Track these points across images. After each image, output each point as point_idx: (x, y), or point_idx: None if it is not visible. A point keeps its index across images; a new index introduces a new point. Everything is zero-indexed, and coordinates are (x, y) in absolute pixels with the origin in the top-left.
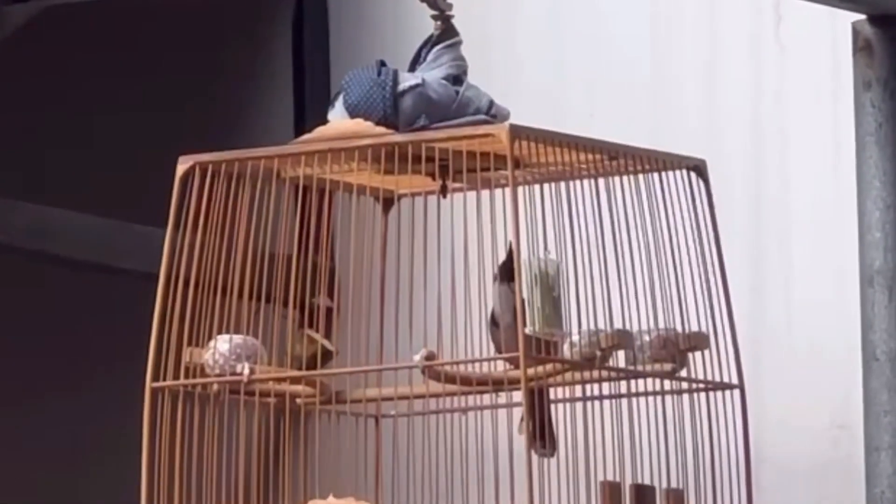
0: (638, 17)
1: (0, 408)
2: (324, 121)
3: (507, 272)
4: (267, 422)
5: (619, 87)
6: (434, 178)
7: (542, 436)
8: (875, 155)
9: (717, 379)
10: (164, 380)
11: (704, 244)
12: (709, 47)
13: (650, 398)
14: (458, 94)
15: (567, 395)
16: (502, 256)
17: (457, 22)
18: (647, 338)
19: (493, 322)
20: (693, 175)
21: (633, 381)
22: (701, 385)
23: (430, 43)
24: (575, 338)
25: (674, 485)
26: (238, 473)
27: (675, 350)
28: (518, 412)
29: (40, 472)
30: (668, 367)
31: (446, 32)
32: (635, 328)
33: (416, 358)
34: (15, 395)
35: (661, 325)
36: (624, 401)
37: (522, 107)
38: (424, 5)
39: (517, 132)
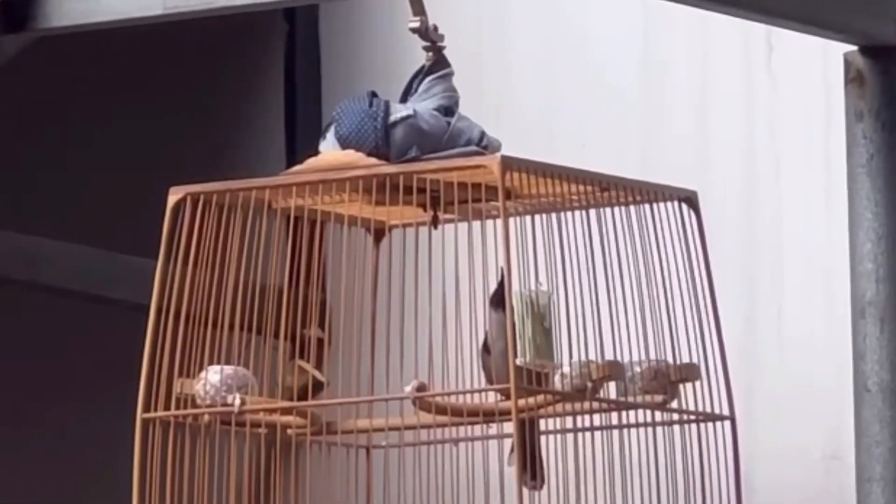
0: (629, 48)
1: None
2: (315, 152)
3: (500, 298)
4: (258, 453)
5: (611, 117)
6: (425, 210)
7: (530, 468)
8: (867, 186)
9: (709, 410)
10: (155, 410)
11: (696, 275)
12: (700, 78)
13: (641, 429)
14: (449, 125)
15: (558, 427)
16: (494, 286)
17: (448, 53)
18: (638, 369)
19: (486, 349)
20: (684, 206)
21: (623, 413)
22: (692, 416)
23: (421, 74)
24: (566, 369)
25: None
26: None
27: (666, 381)
28: (509, 443)
29: (29, 502)
30: (659, 398)
31: (438, 63)
32: (626, 359)
33: (408, 389)
34: (3, 426)
35: (653, 357)
36: (615, 432)
37: (514, 138)
38: (416, 36)
39: (508, 163)
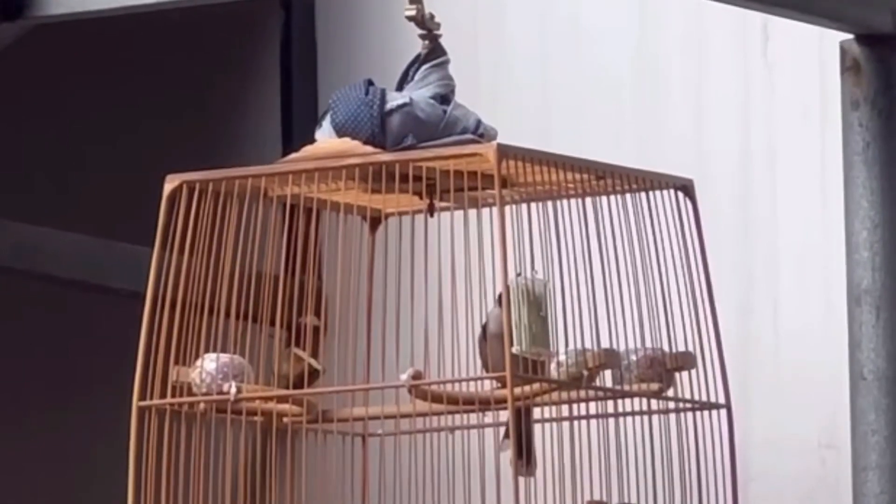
0: (625, 36)
1: None
2: (311, 140)
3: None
4: (254, 441)
5: (606, 106)
6: (421, 198)
7: (521, 455)
8: (863, 174)
9: (705, 398)
10: (151, 399)
11: (692, 263)
12: (697, 66)
13: (637, 417)
14: (445, 113)
15: (554, 415)
16: (490, 276)
17: (444, 41)
18: (634, 357)
19: (484, 336)
20: (680, 194)
21: (619, 401)
22: (688, 404)
23: (417, 62)
24: (562, 357)
25: None
26: (225, 492)
27: (662, 369)
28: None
29: (25, 491)
30: (654, 386)
31: (434, 52)
32: (622, 348)
33: (403, 377)
34: (0, 413)
35: (648, 345)
36: (611, 420)
37: (510, 126)
38: (412, 24)
39: (504, 151)
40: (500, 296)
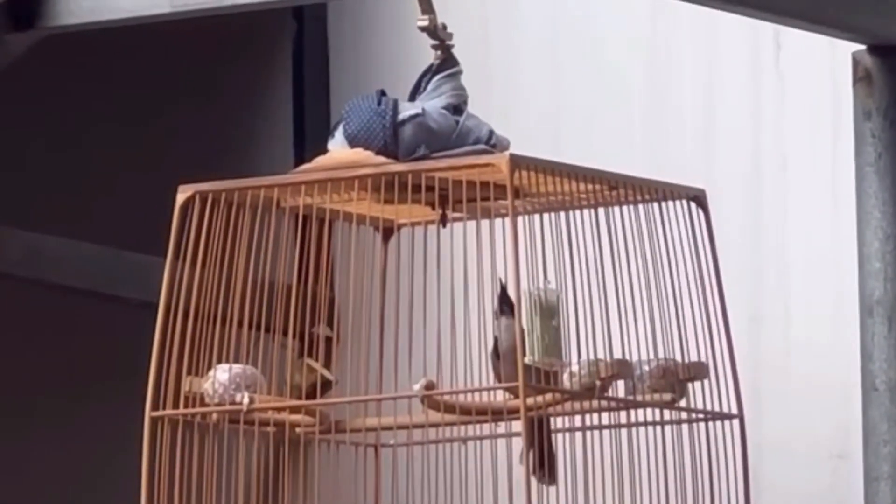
0: (637, 46)
1: None
2: (324, 150)
3: (503, 305)
4: (266, 451)
5: (618, 116)
6: (434, 208)
7: (542, 465)
8: (875, 185)
9: (717, 409)
10: (164, 409)
11: (704, 274)
12: (708, 77)
13: (650, 428)
14: (458, 123)
15: (566, 425)
16: (496, 295)
17: (457, 51)
18: (646, 367)
19: (496, 353)
20: (693, 205)
21: (632, 411)
22: (700, 415)
23: (430, 72)
24: (574, 367)
25: None
26: (238, 503)
27: (674, 380)
28: (517, 442)
29: (34, 501)
30: (667, 396)
31: (446, 62)
32: (635, 358)
33: (416, 387)
34: (10, 424)
35: (661, 355)
36: (623, 430)
37: (522, 136)
38: (425, 35)
39: (517, 162)
40: (499, 306)
